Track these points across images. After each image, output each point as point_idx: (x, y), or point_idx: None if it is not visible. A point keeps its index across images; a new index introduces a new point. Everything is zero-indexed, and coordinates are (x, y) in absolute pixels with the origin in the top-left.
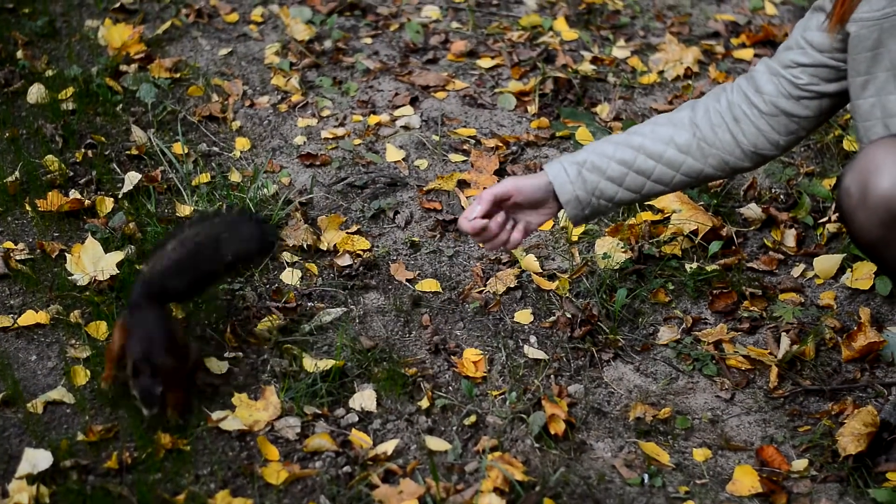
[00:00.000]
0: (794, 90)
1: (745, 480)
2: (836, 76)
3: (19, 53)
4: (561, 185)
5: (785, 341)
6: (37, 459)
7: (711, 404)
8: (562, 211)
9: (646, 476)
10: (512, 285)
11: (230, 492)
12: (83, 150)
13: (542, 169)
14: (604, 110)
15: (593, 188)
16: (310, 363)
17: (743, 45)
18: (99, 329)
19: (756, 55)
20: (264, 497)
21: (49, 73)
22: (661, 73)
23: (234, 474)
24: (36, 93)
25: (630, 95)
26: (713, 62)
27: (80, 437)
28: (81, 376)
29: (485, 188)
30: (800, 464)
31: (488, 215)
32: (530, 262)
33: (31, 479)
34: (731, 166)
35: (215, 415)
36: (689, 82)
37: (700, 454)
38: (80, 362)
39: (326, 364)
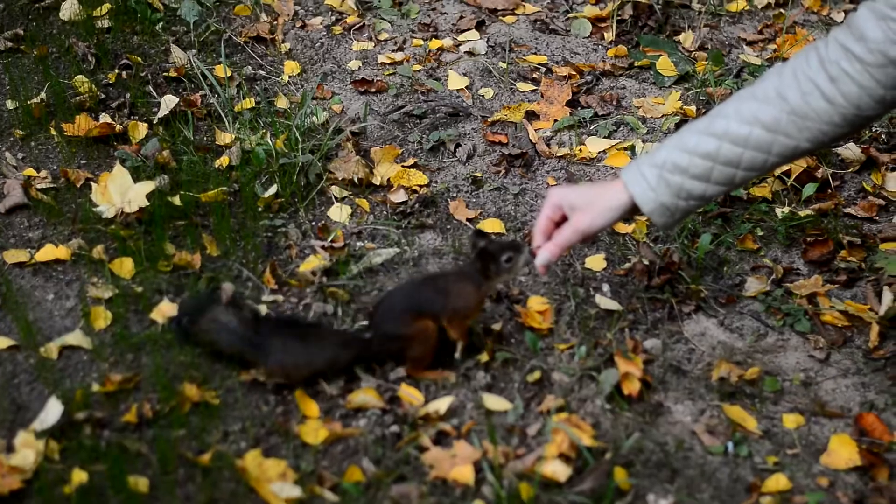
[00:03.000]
0: None
1: (842, 451)
2: None
3: None
4: (642, 193)
5: (887, 296)
6: (47, 410)
7: (804, 365)
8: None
9: (730, 444)
10: None
11: (262, 451)
12: (117, 71)
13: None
14: (687, 39)
15: (678, 190)
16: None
17: None
18: (123, 266)
19: None
20: (300, 458)
21: None
22: (750, 0)
23: (268, 432)
24: (69, 9)
25: (716, 23)
26: None
27: (97, 386)
28: (101, 319)
29: (556, 120)
30: None
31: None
32: None
33: (40, 432)
34: (829, 136)
35: None
36: (782, 11)
37: (791, 420)
38: (101, 303)
39: None
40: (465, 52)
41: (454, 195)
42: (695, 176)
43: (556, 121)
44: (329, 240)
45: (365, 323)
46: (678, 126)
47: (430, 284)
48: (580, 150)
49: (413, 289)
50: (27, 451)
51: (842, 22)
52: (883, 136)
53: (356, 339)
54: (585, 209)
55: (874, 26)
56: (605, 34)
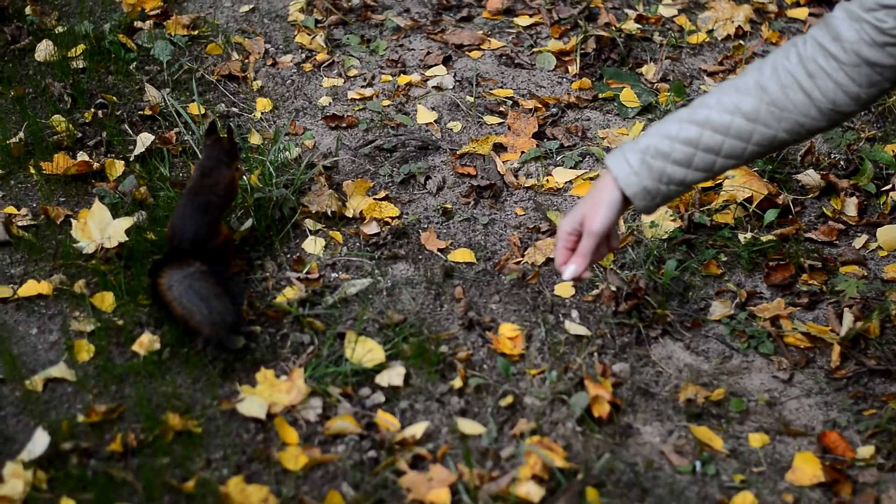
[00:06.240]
0: (879, 36)
1: (806, 468)
2: None
3: (28, 9)
4: (625, 177)
5: (848, 317)
6: (34, 441)
7: (768, 385)
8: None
9: (697, 463)
10: (552, 255)
11: (244, 478)
12: (93, 111)
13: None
14: (650, 71)
15: (660, 174)
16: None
17: (797, 4)
18: (104, 300)
19: (811, 14)
20: (281, 484)
21: (59, 29)
22: (710, 32)
23: (249, 459)
24: (44, 50)
25: (677, 55)
26: (765, 21)
27: (82, 417)
28: (85, 352)
29: (523, 151)
30: (866, 451)
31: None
32: None
33: (28, 462)
34: (806, 128)
35: (243, 388)
36: (741, 42)
37: (756, 440)
38: (84, 336)
39: (351, 339)
40: (432, 87)
41: (425, 226)
42: (676, 161)
43: (522, 152)
44: (304, 271)
45: None
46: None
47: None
48: (547, 180)
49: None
50: (16, 481)
51: (819, 20)
52: (841, 163)
53: None
54: (591, 213)
55: (848, 27)
56: (570, 67)
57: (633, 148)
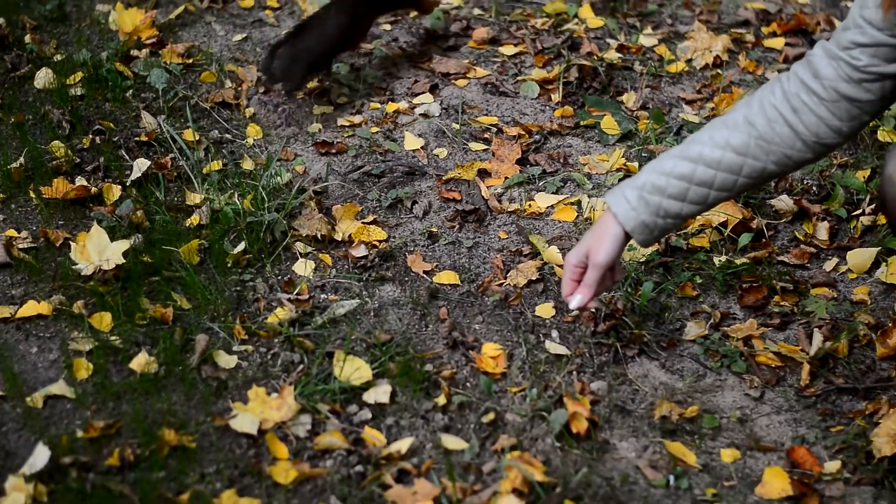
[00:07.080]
0: (854, 73)
1: (775, 483)
2: None
3: (27, 37)
4: (624, 213)
5: (817, 337)
6: (35, 456)
7: (740, 403)
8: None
9: (671, 477)
10: (533, 278)
11: (236, 491)
12: (91, 137)
13: (605, 205)
14: (630, 99)
15: (657, 209)
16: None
17: (774, 34)
18: (102, 320)
19: (787, 44)
20: (272, 497)
21: (57, 57)
22: (689, 61)
23: (241, 473)
24: (43, 77)
25: (657, 84)
26: (743, 51)
27: (81, 433)
28: (83, 370)
29: (506, 177)
30: (832, 465)
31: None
32: (553, 253)
33: (29, 476)
34: (793, 160)
35: (236, 405)
36: (719, 71)
37: (728, 455)
38: (83, 355)
39: (339, 358)
40: (419, 115)
41: (411, 249)
42: (672, 196)
43: (506, 178)
44: (295, 293)
45: None
46: (622, 181)
47: None
48: (530, 205)
49: None
50: (17, 494)
51: (801, 58)
52: (814, 189)
53: None
54: (596, 246)
55: (826, 64)
56: (553, 95)
57: (631, 185)
